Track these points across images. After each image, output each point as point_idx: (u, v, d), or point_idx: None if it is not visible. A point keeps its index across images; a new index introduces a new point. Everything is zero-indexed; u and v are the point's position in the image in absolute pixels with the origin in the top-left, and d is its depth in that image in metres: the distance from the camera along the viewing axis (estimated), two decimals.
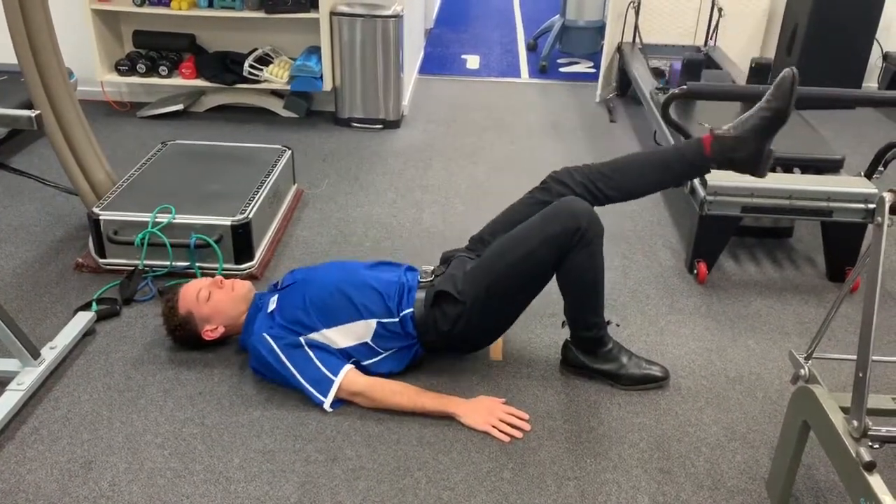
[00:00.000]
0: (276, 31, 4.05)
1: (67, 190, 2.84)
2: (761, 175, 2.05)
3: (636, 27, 4.39)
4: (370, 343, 2.02)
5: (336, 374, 1.95)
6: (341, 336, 2.01)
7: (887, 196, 1.37)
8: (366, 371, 2.02)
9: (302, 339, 1.99)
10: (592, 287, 1.99)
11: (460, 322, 1.99)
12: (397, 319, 2.01)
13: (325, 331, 2.01)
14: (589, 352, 2.09)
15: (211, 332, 2.10)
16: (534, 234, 1.94)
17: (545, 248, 1.92)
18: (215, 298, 2.10)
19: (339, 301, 2.02)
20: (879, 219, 1.38)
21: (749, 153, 2.00)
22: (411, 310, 2.01)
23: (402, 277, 2.09)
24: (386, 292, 2.03)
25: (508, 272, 1.95)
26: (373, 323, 2.01)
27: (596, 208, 2.01)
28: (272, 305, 2.08)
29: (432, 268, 2.13)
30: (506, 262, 1.96)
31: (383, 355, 2.04)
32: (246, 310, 2.13)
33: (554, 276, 2.00)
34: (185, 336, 2.13)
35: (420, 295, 2.03)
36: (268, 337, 1.99)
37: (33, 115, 2.10)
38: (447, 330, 2.00)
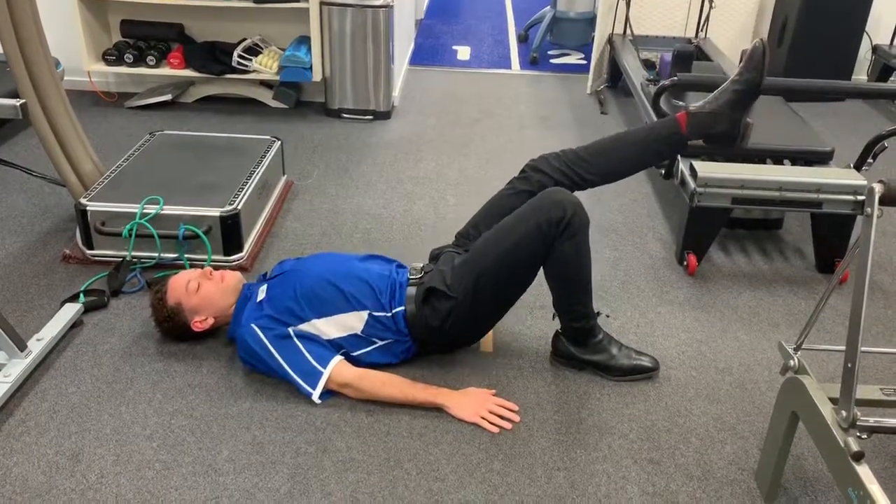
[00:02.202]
0: (265, 21, 4.02)
1: (54, 181, 2.82)
2: (740, 148, 2.05)
3: (627, 19, 4.39)
4: (360, 334, 2.01)
5: (325, 366, 1.94)
6: (332, 327, 2.00)
7: (877, 187, 1.37)
8: (356, 362, 2.02)
9: (290, 330, 1.98)
10: (578, 277, 1.99)
11: (451, 317, 1.98)
12: (390, 315, 2.01)
13: (315, 321, 1.99)
14: (579, 343, 2.09)
15: (200, 323, 2.09)
16: (520, 226, 1.94)
17: (531, 238, 1.91)
18: (204, 289, 2.08)
19: (330, 292, 2.01)
20: (869, 210, 1.38)
21: (726, 127, 2.02)
22: (403, 308, 2.01)
23: (392, 273, 2.08)
24: (377, 287, 2.03)
25: (496, 264, 1.95)
26: (364, 314, 2.00)
27: (585, 198, 2.01)
28: (261, 295, 2.07)
29: (422, 265, 2.12)
30: (493, 254, 1.95)
31: (374, 346, 2.03)
32: (235, 301, 2.12)
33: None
34: (173, 327, 2.12)
35: (410, 292, 2.03)
36: (256, 328, 1.98)
37: (18, 103, 2.08)
38: (438, 325, 2.00)
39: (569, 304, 2.04)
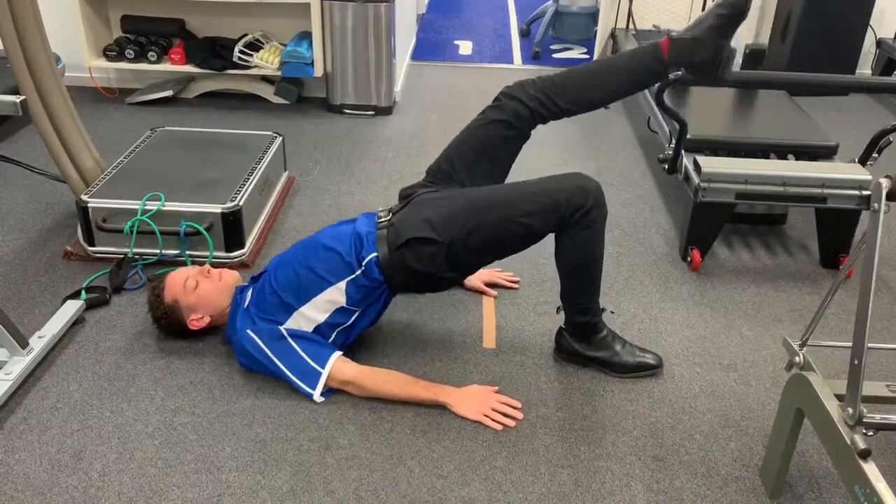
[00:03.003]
0: (266, 17, 4.01)
1: (55, 177, 2.81)
2: (723, 79, 2.01)
3: (630, 13, 4.37)
4: (346, 306, 1.98)
5: (323, 366, 1.93)
6: (317, 310, 1.97)
7: (884, 182, 1.36)
8: (351, 331, 2.01)
9: (283, 330, 1.96)
10: (591, 270, 1.97)
11: (435, 260, 1.93)
12: (360, 271, 1.96)
13: (301, 309, 1.97)
14: (583, 339, 2.08)
15: (197, 321, 2.08)
16: (535, 198, 1.89)
17: (542, 216, 1.88)
18: (202, 288, 2.07)
19: (303, 276, 1.98)
20: (876, 205, 1.36)
21: (708, 55, 1.96)
22: (374, 254, 1.96)
23: (357, 227, 2.03)
24: (344, 250, 1.98)
25: (497, 227, 1.90)
26: (342, 285, 1.96)
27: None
28: (248, 300, 2.06)
29: (389, 208, 2.07)
30: (497, 216, 1.90)
31: (359, 311, 2.00)
32: (232, 301, 2.11)
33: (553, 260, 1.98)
34: (170, 325, 2.11)
35: (381, 234, 1.98)
36: (251, 333, 1.97)
37: (18, 100, 2.07)
38: (420, 269, 1.94)
39: (576, 297, 2.02)
